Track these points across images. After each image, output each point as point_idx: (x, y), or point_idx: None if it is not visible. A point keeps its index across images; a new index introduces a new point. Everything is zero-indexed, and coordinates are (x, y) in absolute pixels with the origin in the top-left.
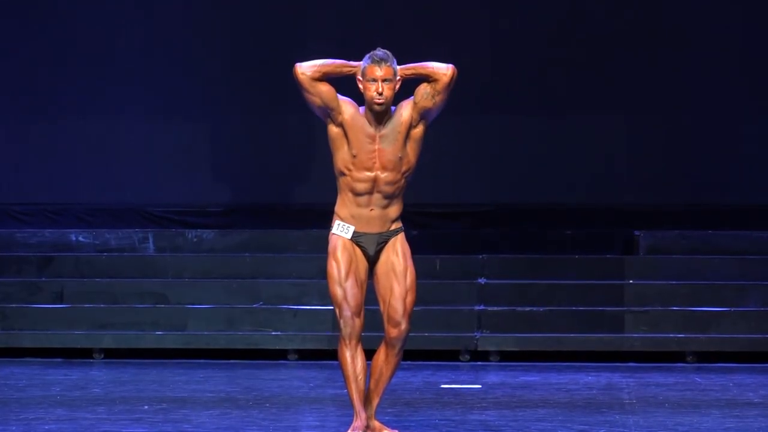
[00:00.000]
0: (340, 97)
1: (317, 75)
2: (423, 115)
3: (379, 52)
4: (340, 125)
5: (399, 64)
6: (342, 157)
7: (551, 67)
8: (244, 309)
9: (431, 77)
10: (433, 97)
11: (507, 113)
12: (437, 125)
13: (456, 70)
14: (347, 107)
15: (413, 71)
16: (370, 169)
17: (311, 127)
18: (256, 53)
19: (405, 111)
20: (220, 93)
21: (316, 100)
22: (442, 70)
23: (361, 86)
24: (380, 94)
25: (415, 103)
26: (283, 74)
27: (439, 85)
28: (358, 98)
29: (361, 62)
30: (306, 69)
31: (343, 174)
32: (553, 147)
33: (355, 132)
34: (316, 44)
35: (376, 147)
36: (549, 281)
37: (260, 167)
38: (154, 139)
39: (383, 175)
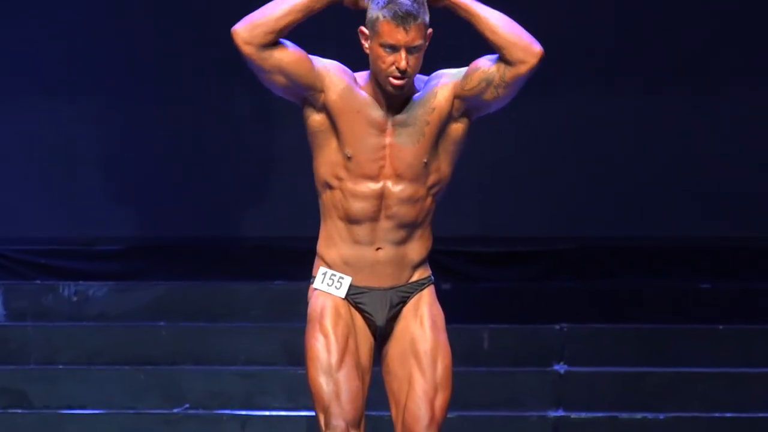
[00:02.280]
0: (317, 61)
1: (269, 38)
2: (470, 106)
3: (406, 0)
4: (324, 109)
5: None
6: (328, 159)
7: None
8: (158, 416)
9: (505, 53)
10: (496, 88)
11: (597, 88)
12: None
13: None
14: (334, 79)
15: (477, 23)
16: (374, 178)
17: (271, 111)
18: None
19: (442, 91)
20: (117, 61)
21: (279, 79)
22: (529, 48)
23: (365, 45)
24: (403, 72)
25: (462, 87)
26: (223, 28)
27: (512, 73)
28: (358, 61)
29: (373, 10)
30: (249, 34)
31: (329, 186)
32: (678, 142)
33: (350, 118)
34: None
35: (387, 141)
36: (672, 369)
37: (185, 179)
38: (5, 133)
39: (396, 189)
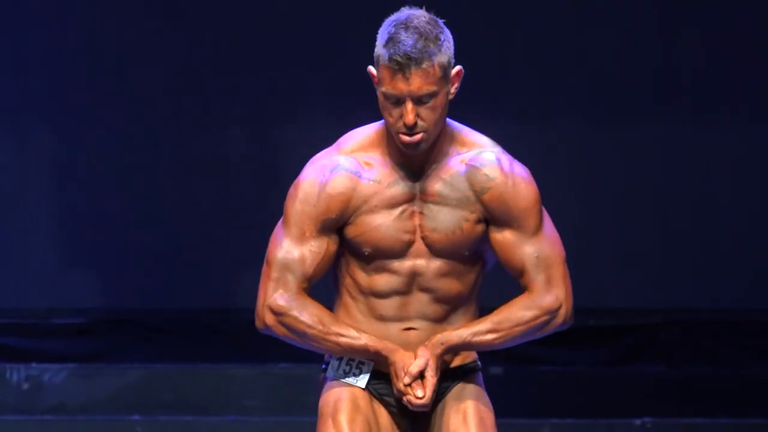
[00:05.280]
0: (320, 195)
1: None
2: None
3: (409, 39)
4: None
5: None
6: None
7: None
8: None
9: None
10: (502, 260)
11: (684, 126)
12: (547, 138)
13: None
14: (336, 194)
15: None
16: (401, 256)
17: (270, 162)
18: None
19: (483, 199)
20: (75, 102)
21: (329, 254)
22: (555, 312)
23: (377, 88)
24: (412, 127)
25: (488, 214)
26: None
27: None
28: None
29: (377, 48)
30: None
31: (345, 258)
32: None
33: (370, 213)
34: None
35: (415, 209)
36: None
37: (163, 237)
38: None
39: (432, 266)
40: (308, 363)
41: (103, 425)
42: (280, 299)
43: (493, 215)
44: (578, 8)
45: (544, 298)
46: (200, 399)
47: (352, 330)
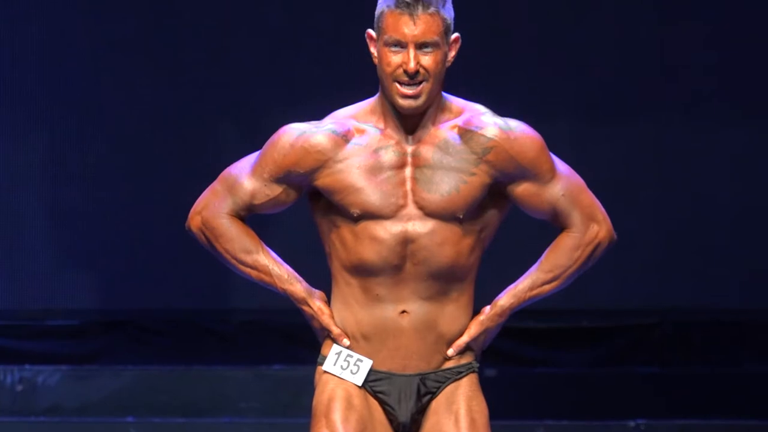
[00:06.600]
0: (290, 141)
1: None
2: (500, 189)
3: None
4: (326, 191)
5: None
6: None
7: None
8: None
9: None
10: (531, 208)
11: (680, 120)
12: (546, 137)
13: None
14: (313, 151)
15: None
16: (391, 218)
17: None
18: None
19: (489, 158)
20: (68, 104)
21: (279, 202)
22: (595, 229)
23: (374, 53)
24: (413, 75)
25: (499, 173)
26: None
27: (569, 235)
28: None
29: (380, 4)
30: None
31: (335, 225)
32: None
33: (349, 173)
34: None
35: (407, 174)
36: None
37: (157, 238)
38: None
39: (424, 230)
40: (304, 365)
41: (97, 427)
42: (213, 213)
43: (504, 173)
44: (579, 8)
45: (585, 231)
46: (195, 401)
47: (272, 264)
